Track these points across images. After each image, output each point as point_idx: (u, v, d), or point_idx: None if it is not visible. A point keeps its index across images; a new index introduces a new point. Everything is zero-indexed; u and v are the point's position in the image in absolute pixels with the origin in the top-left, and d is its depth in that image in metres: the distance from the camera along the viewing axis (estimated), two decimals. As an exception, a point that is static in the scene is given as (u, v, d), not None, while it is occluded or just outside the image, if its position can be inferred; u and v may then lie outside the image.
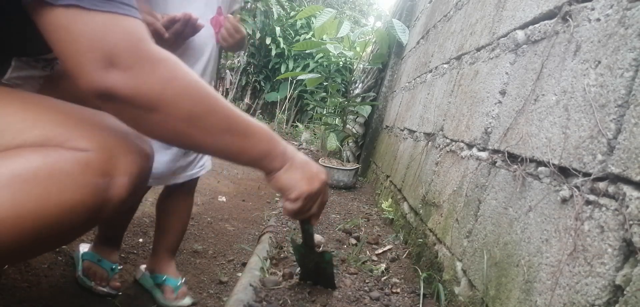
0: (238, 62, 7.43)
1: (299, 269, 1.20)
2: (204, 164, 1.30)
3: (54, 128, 0.63)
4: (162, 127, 0.63)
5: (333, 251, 1.52)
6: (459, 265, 1.12)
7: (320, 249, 1.54)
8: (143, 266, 1.33)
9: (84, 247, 1.28)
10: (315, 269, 1.14)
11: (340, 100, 4.10)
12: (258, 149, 0.75)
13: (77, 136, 0.63)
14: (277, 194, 2.72)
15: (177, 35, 1.02)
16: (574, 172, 0.74)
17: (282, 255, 1.39)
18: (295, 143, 5.97)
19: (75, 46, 0.56)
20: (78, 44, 0.56)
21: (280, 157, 0.78)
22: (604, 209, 0.66)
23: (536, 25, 1.06)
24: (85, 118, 0.67)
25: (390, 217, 2.04)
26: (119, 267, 1.27)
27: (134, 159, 0.67)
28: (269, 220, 1.89)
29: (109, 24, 0.57)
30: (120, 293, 1.22)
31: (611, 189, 0.65)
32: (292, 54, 7.48)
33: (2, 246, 0.55)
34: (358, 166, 3.25)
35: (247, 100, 7.80)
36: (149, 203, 1.86)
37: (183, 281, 1.28)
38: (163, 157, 1.16)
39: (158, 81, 0.60)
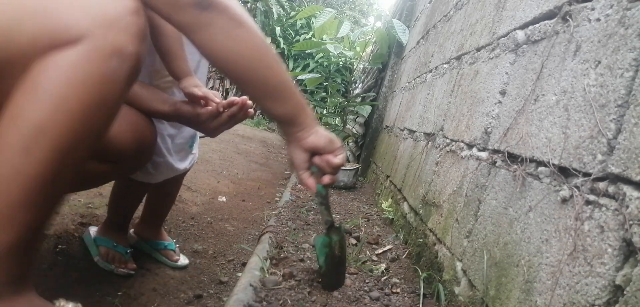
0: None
1: (321, 271, 1.10)
2: (195, 156, 1.42)
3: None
4: (246, 40, 0.72)
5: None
6: (459, 265, 1.12)
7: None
8: (132, 230, 1.48)
9: (93, 230, 1.35)
10: (340, 258, 1.10)
11: (340, 100, 4.11)
12: (299, 98, 0.82)
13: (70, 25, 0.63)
14: (277, 194, 2.72)
15: (231, 117, 1.09)
16: (574, 172, 0.74)
17: (282, 255, 1.39)
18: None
19: None
20: None
21: (312, 115, 0.85)
22: (604, 209, 0.66)
23: (536, 25, 1.06)
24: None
25: (390, 217, 2.04)
26: (130, 250, 1.36)
27: (132, 20, 0.67)
28: (269, 220, 1.89)
29: None
30: (133, 273, 1.32)
31: (611, 189, 0.65)
32: (292, 54, 7.48)
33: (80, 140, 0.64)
34: (358, 165, 3.25)
35: (247, 100, 7.79)
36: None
37: (176, 242, 1.49)
38: (182, 163, 1.30)
39: (239, 6, 0.72)
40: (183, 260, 1.45)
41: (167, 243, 1.45)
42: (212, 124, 1.06)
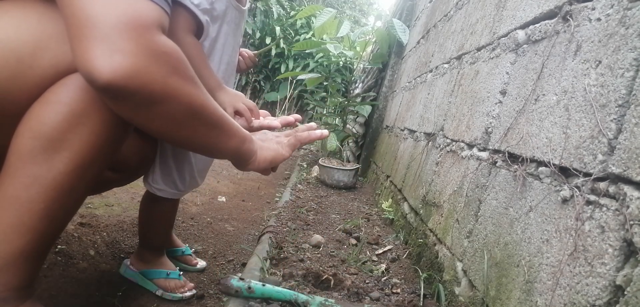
0: (238, 62, 7.43)
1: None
2: None
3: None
4: (163, 118, 0.64)
5: (333, 252, 1.52)
6: (459, 265, 1.12)
7: (320, 248, 1.54)
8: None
9: (128, 262, 1.29)
10: None
11: (340, 100, 4.10)
12: (238, 137, 0.81)
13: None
14: (277, 194, 2.72)
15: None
16: (575, 172, 0.74)
17: (282, 255, 1.39)
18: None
19: (85, 12, 0.53)
20: (89, 10, 0.53)
21: (249, 138, 0.86)
22: (604, 209, 0.65)
23: (537, 25, 1.06)
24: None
25: (391, 217, 2.04)
26: (180, 271, 1.32)
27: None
28: (269, 220, 1.89)
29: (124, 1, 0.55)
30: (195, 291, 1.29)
31: (612, 189, 0.65)
32: (292, 53, 7.48)
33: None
34: (358, 166, 3.25)
35: (247, 100, 7.80)
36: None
37: (191, 247, 1.52)
38: (201, 178, 1.31)
39: (160, 74, 0.59)
40: (201, 263, 1.46)
41: (184, 249, 1.46)
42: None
